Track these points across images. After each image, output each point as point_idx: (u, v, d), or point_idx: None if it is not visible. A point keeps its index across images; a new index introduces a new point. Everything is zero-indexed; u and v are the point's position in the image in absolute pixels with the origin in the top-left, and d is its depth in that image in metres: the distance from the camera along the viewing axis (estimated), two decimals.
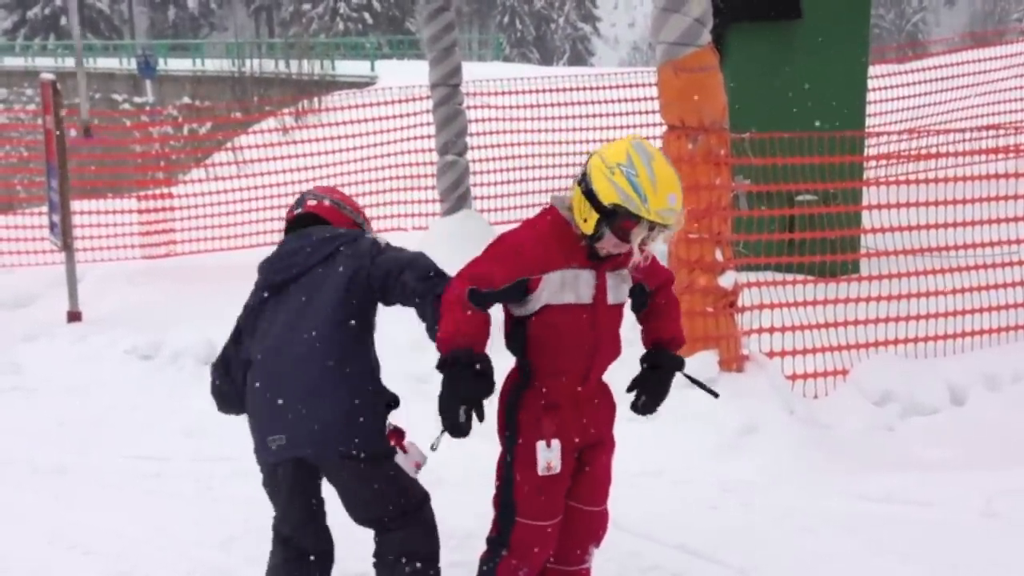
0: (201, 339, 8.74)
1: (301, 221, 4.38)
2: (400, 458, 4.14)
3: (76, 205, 11.78)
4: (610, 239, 3.75)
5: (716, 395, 4.41)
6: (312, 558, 4.27)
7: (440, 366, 3.70)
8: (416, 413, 4.60)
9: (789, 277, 7.77)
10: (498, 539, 4.03)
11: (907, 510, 5.62)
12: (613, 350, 4.04)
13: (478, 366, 3.66)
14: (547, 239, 3.83)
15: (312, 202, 4.41)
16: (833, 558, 5.11)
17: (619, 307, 4.01)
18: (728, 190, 7.07)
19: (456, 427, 3.69)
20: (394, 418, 4.25)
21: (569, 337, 3.86)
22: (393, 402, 4.21)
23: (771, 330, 7.42)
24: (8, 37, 67.50)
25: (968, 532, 5.32)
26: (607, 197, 3.66)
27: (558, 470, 3.90)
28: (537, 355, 3.89)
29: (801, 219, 8.31)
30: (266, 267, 4.26)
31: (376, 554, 4.20)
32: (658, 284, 4.13)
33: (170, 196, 14.60)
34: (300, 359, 3.99)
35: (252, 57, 37.24)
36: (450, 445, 3.82)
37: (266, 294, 4.20)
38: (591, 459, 4.12)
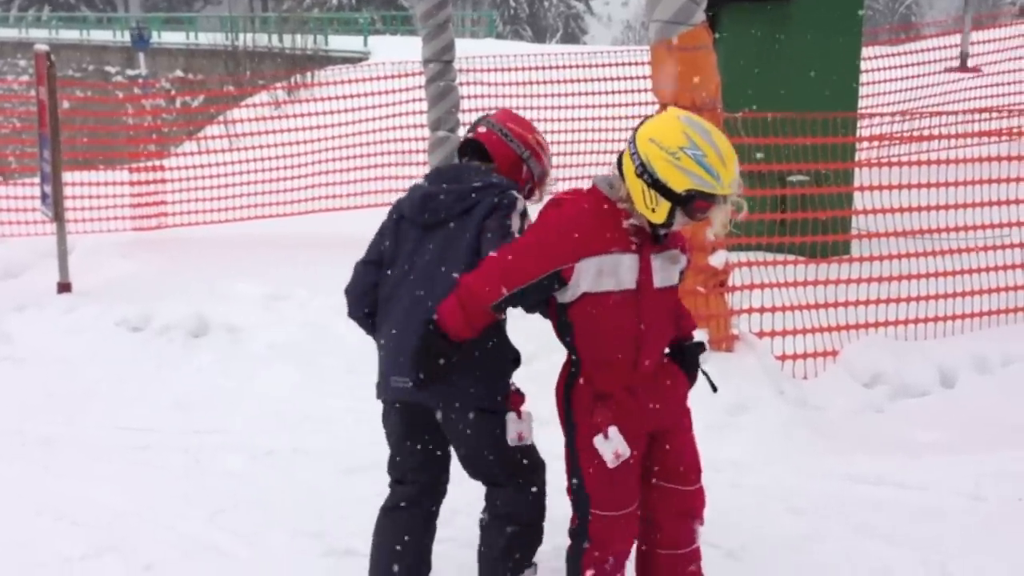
0: (191, 311, 8.72)
1: (469, 146, 4.36)
2: (510, 419, 4.02)
3: (68, 176, 11.72)
4: (681, 222, 3.64)
5: (716, 389, 4.27)
6: (419, 505, 4.24)
7: (429, 332, 3.77)
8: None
9: (780, 257, 7.76)
10: (578, 531, 3.91)
11: (895, 492, 5.62)
12: (664, 335, 3.93)
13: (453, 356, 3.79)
14: (586, 223, 3.69)
15: (482, 129, 4.36)
16: (821, 539, 5.11)
17: (669, 290, 3.88)
18: None
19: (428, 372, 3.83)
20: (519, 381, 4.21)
21: (612, 325, 3.74)
22: (517, 359, 4.18)
23: (761, 310, 7.42)
24: (2, 8, 67.20)
25: (956, 515, 5.33)
26: (679, 184, 3.52)
27: (627, 455, 3.75)
28: (582, 345, 3.79)
29: (792, 199, 8.31)
30: (416, 205, 4.13)
31: (485, 511, 4.20)
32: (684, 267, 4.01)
33: (161, 168, 14.59)
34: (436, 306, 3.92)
35: (245, 31, 36.96)
36: None
37: (408, 228, 4.13)
38: (671, 440, 4.00)
